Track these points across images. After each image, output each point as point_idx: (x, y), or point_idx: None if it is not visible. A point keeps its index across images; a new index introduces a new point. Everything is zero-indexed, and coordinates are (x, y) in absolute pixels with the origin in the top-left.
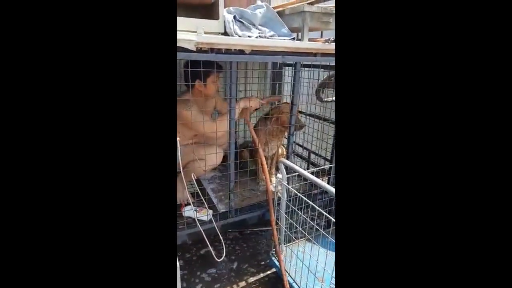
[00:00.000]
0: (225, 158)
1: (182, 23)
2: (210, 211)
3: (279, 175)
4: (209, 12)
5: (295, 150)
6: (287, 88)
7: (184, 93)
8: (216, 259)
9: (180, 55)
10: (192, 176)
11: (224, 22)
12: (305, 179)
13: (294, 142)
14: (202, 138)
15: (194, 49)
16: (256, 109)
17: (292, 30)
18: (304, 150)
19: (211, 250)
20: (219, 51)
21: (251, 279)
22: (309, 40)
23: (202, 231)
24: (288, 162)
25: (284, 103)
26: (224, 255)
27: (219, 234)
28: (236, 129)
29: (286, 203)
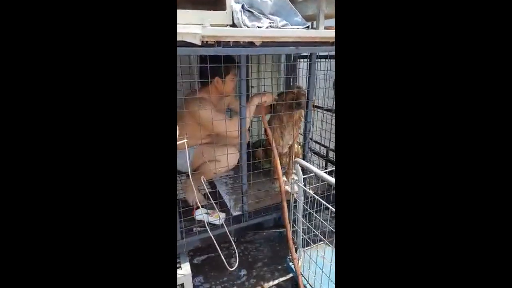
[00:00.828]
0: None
1: (188, 16)
2: (223, 214)
3: (295, 176)
4: (216, 2)
5: (313, 147)
6: (302, 82)
7: (200, 90)
8: (228, 266)
9: (186, 50)
10: (202, 180)
11: (232, 12)
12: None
13: (311, 139)
14: (215, 138)
15: (199, 43)
16: (271, 108)
17: (307, 18)
18: (322, 148)
19: (222, 256)
20: (226, 44)
21: (267, 285)
22: (325, 28)
23: (212, 236)
24: (303, 162)
25: (297, 86)
26: (237, 262)
27: (231, 239)
28: (250, 127)
29: (303, 205)
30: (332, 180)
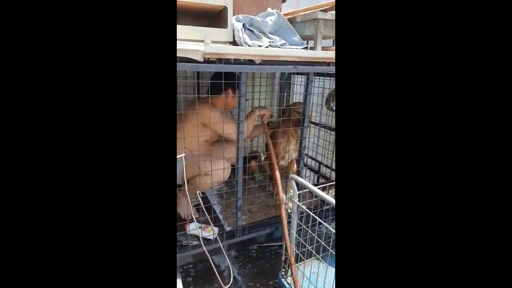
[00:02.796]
0: (232, 171)
1: (189, 32)
2: (216, 229)
3: (290, 193)
4: (217, 20)
5: (306, 162)
6: (295, 98)
7: (212, 98)
8: (221, 283)
9: (187, 66)
10: (198, 194)
11: (233, 30)
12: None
13: (306, 155)
14: (213, 149)
15: (201, 60)
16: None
17: (304, 38)
18: (315, 163)
19: (216, 273)
20: (227, 61)
21: None
22: (322, 48)
23: (207, 251)
24: (299, 178)
25: (297, 102)
26: (231, 279)
27: (225, 255)
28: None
29: (297, 221)
30: (323, 195)
